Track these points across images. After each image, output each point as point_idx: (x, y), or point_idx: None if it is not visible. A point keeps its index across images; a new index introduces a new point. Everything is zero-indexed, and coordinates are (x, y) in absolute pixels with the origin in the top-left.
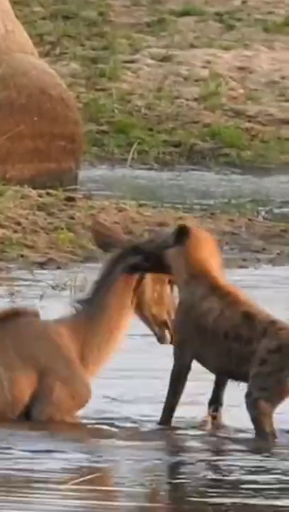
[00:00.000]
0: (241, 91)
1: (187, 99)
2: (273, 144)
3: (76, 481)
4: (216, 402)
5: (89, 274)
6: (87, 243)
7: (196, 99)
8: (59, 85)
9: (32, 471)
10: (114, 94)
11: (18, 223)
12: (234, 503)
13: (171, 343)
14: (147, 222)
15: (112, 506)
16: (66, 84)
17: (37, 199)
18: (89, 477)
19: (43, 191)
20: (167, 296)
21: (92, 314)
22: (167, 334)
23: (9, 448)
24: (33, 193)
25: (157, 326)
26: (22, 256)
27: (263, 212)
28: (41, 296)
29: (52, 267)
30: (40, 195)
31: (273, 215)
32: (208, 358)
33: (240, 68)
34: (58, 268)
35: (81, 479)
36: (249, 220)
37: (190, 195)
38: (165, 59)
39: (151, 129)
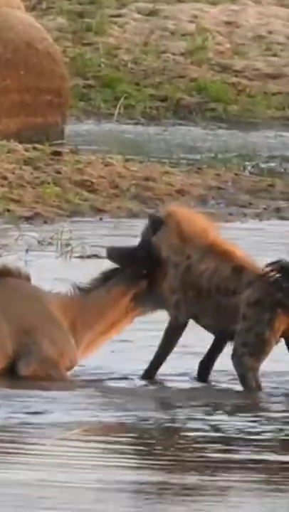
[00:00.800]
0: (228, 45)
1: (174, 54)
2: (260, 98)
3: (66, 434)
4: (205, 365)
5: (75, 229)
6: (74, 198)
7: (182, 54)
8: (45, 39)
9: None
10: (101, 49)
11: (5, 178)
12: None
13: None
14: (134, 177)
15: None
16: (53, 38)
17: (23, 153)
18: (77, 431)
19: (29, 145)
20: None
21: (86, 304)
22: None
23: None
24: (20, 147)
25: None
26: (8, 210)
27: (249, 167)
28: (27, 251)
29: (38, 221)
30: (26, 150)
31: (260, 169)
32: (203, 316)
33: (227, 23)
34: (45, 222)
35: (71, 432)
36: (235, 174)
37: (177, 149)
38: (152, 13)
39: (137, 84)
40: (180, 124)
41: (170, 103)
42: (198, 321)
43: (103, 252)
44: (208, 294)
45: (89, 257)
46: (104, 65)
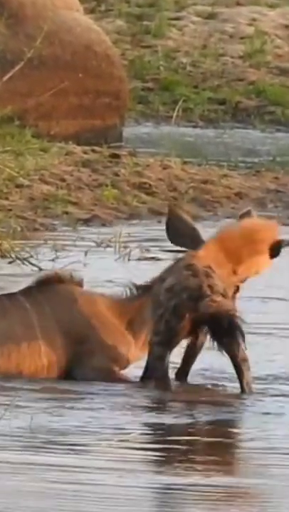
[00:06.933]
0: (287, 49)
1: (232, 57)
2: None
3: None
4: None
5: (133, 231)
6: (132, 200)
7: (241, 57)
8: (104, 42)
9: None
10: (160, 52)
11: (63, 180)
12: None
13: None
14: (192, 180)
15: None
16: (111, 41)
17: (81, 156)
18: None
19: (87, 148)
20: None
21: (142, 303)
22: None
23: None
24: (78, 149)
25: None
26: (66, 213)
27: None
28: (86, 253)
29: (96, 223)
30: (84, 152)
31: None
32: None
33: (286, 26)
34: (103, 225)
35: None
36: None
37: (235, 152)
38: (210, 16)
39: (196, 87)
40: (238, 127)
41: (228, 106)
42: None
43: (161, 255)
44: None
45: (147, 259)
46: (162, 68)
